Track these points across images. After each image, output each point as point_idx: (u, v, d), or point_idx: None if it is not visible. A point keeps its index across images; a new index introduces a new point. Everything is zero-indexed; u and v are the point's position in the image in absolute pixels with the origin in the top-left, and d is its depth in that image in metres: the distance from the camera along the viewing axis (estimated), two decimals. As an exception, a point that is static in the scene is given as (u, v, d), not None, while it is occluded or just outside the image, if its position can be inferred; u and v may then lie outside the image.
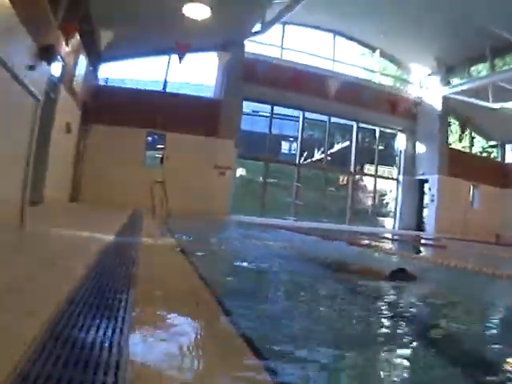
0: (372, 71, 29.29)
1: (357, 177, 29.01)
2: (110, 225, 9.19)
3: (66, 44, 12.27)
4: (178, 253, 6.49)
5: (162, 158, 20.86)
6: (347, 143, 29.16)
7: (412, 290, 5.47)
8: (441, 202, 27.59)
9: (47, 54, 10.10)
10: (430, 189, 28.13)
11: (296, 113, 26.99)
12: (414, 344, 3.31)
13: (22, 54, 8.49)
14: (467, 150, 31.27)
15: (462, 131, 29.61)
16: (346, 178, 28.87)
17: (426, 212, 28.65)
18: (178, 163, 20.33)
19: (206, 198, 20.32)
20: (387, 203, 30.67)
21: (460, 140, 31.40)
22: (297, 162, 26.44)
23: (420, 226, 28.61)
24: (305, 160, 27.91)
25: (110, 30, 16.50)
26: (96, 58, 18.26)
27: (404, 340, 3.36)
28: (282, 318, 3.69)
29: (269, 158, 25.83)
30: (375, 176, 29.28)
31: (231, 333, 2.72)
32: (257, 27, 21.35)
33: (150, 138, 21.20)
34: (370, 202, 29.82)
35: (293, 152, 28.03)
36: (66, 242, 5.89)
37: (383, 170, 30.22)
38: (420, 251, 13.53)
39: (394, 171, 29.79)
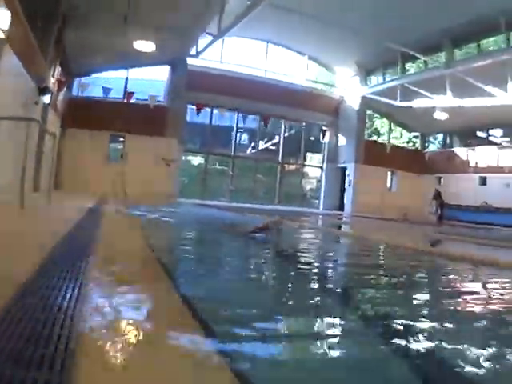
0: (310, 79, 36.29)
1: (286, 165, 36.68)
2: (84, 203, 14.79)
3: (52, 76, 19.81)
4: (130, 221, 11.63)
5: (121, 155, 28.03)
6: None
7: (258, 237, 9.73)
8: (357, 186, 34.63)
9: (44, 91, 17.38)
10: (348, 175, 35.25)
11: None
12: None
13: (31, 94, 15.97)
14: (386, 141, 38.10)
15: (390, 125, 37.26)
16: (290, 166, 36.86)
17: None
18: (135, 158, 27.47)
19: (157, 184, 27.27)
20: (314, 188, 38.06)
21: (378, 133, 39.17)
22: (232, 153, 33.97)
23: (341, 206, 35.55)
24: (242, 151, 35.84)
25: (81, 59, 24.24)
26: (70, 77, 25.68)
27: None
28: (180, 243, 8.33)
29: (208, 151, 33.56)
30: (302, 164, 36.93)
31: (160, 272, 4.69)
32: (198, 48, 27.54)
33: (112, 139, 28.41)
34: (297, 187, 37.27)
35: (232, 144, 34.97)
36: (62, 207, 13.32)
37: (313, 157, 37.91)
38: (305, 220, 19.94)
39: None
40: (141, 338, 2.63)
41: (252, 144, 37.54)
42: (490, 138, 35.10)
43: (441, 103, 28.48)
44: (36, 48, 15.14)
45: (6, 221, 7.63)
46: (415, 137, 40.45)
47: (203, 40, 25.76)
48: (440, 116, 29.13)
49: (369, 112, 37.38)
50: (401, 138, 40.98)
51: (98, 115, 27.13)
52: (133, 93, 28.24)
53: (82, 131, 26.62)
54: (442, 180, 36.66)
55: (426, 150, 39.39)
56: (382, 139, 39.55)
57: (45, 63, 17.34)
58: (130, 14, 18.80)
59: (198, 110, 29.73)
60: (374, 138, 39.78)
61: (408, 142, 41.09)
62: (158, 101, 29.57)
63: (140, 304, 3.34)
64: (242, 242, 9.84)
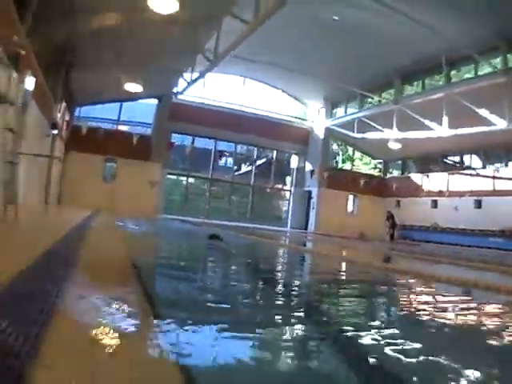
0: (284, 111, 40.81)
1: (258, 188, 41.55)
2: (81, 214, 17.21)
3: (59, 111, 24.56)
4: (115, 230, 14.04)
5: (114, 175, 32.94)
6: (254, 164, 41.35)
7: (221, 244, 12.06)
8: (320, 208, 39.21)
9: (54, 126, 22.45)
10: (312, 198, 39.93)
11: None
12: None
13: (45, 129, 20.76)
14: (350, 168, 43.33)
15: (353, 153, 42.20)
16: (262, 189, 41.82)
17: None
18: (125, 179, 32.32)
19: (143, 202, 32.03)
20: (283, 208, 42.96)
21: (348, 159, 44.10)
22: (209, 176, 38.90)
23: (306, 226, 40.05)
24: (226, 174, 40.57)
25: (82, 95, 29.34)
26: (73, 108, 30.70)
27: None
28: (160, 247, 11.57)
29: (188, 174, 38.66)
30: (272, 188, 42.13)
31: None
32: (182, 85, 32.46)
33: (107, 161, 33.09)
34: (269, 207, 42.27)
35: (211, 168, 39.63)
36: (64, 215, 17.91)
37: (283, 181, 42.96)
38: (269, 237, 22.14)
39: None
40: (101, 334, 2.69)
41: (235, 167, 42.18)
42: (442, 165, 38.54)
43: (388, 135, 32.75)
44: (49, 95, 19.88)
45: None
46: (379, 163, 44.70)
47: (188, 75, 30.03)
48: (393, 146, 32.73)
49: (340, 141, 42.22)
50: (370, 163, 45.67)
51: (95, 141, 31.54)
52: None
53: (81, 155, 31.21)
54: (400, 203, 40.38)
55: (388, 176, 43.67)
56: (354, 165, 44.42)
57: (54, 104, 22.05)
58: (121, 64, 23.69)
59: (170, 147, 35.07)
60: (347, 164, 44.59)
61: (375, 168, 45.40)
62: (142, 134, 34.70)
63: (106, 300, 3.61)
64: (201, 245, 13.01)
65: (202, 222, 29.42)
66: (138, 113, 35.70)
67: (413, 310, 5.68)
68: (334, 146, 44.02)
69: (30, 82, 14.10)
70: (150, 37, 19.71)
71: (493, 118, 25.85)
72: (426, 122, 29.57)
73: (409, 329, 4.52)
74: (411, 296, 7.08)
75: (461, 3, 20.67)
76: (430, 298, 6.94)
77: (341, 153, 44.72)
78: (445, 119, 28.09)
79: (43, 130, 20.17)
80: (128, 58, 23.49)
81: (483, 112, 26.02)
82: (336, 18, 23.66)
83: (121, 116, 34.81)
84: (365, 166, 45.71)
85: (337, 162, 44.38)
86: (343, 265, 11.61)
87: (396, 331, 4.23)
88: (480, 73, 26.51)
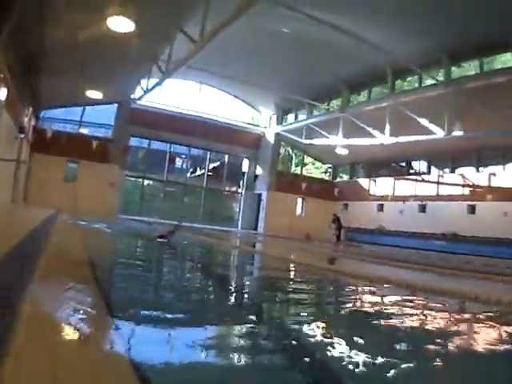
0: (237, 116, 42.47)
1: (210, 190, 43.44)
2: (43, 213, 18.21)
3: (26, 115, 26.02)
4: (74, 228, 15.56)
5: (75, 176, 34.44)
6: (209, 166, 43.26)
7: (171, 240, 13.68)
8: (269, 210, 41.14)
9: (22, 130, 23.99)
10: (261, 200, 41.86)
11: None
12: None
13: (14, 133, 22.25)
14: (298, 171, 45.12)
15: (303, 157, 44.16)
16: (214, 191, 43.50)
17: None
18: (86, 179, 33.87)
19: (102, 202, 33.51)
20: (234, 210, 44.76)
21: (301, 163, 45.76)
22: (164, 179, 40.66)
23: (256, 227, 41.92)
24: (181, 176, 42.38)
25: (48, 99, 30.86)
26: (38, 112, 32.28)
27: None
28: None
29: (144, 176, 40.56)
30: (223, 190, 44.33)
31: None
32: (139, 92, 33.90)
33: (69, 163, 34.58)
34: (221, 209, 44.44)
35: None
36: (26, 213, 19.57)
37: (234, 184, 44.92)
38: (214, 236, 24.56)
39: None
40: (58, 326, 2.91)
41: (191, 170, 44.05)
42: (388, 171, 40.44)
43: (334, 142, 34.55)
44: (18, 102, 21.30)
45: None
46: (330, 168, 46.65)
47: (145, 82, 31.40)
48: (341, 151, 34.58)
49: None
50: (321, 168, 47.75)
51: (58, 144, 33.02)
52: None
53: (45, 156, 32.68)
54: (348, 206, 42.40)
55: (336, 180, 45.60)
56: (306, 169, 46.55)
57: (23, 109, 23.47)
58: (84, 72, 25.30)
59: (127, 150, 37.14)
60: (298, 168, 46.16)
61: (325, 172, 47.40)
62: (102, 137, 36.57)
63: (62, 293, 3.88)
64: (150, 244, 14.39)
65: (155, 222, 31.10)
66: (101, 114, 36.87)
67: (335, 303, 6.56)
68: (289, 151, 45.62)
69: (2, 93, 15.37)
70: (110, 49, 21.13)
71: (432, 127, 27.19)
72: (370, 129, 31.07)
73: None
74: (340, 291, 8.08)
75: (405, 19, 22.07)
76: (355, 293, 7.81)
77: (294, 157, 46.19)
78: (387, 127, 29.54)
79: (12, 134, 21.62)
80: (90, 68, 24.95)
81: (423, 121, 27.35)
82: (286, 30, 24.34)
83: (83, 117, 36.32)
84: (316, 170, 47.64)
85: (289, 167, 45.91)
86: (267, 260, 13.35)
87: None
88: (423, 84, 28.06)
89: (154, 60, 25.51)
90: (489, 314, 6.22)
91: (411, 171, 39.13)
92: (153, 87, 30.06)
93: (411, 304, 6.85)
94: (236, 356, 3.36)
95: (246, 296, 6.66)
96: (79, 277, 5.19)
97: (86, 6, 17.17)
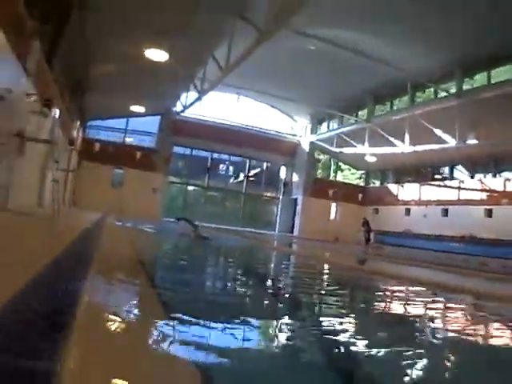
0: (275, 126, 45.21)
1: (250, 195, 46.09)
2: (94, 216, 20.45)
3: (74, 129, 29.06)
4: (123, 228, 17.59)
5: (121, 182, 37.43)
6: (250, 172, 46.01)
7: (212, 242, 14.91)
8: (304, 214, 43.65)
9: (71, 143, 26.22)
10: (297, 205, 44.47)
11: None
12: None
13: (65, 145, 25.15)
14: (333, 178, 47.61)
15: (337, 164, 46.69)
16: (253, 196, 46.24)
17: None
18: (132, 186, 36.99)
19: (146, 207, 36.26)
20: (272, 214, 47.20)
21: (340, 170, 48.71)
22: (205, 185, 43.82)
23: (292, 230, 44.34)
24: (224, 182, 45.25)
25: (94, 112, 33.93)
26: (85, 124, 35.24)
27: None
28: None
29: (187, 182, 43.63)
30: (262, 195, 46.80)
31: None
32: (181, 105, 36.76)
33: (116, 170, 37.56)
34: (259, 213, 46.97)
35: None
36: (81, 216, 22.57)
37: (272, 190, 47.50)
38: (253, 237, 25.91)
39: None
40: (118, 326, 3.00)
41: (234, 175, 46.89)
42: (416, 177, 42.11)
43: (360, 150, 37.13)
44: (68, 118, 24.00)
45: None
46: (363, 174, 48.94)
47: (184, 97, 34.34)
48: (370, 159, 37.07)
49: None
50: (356, 174, 50.11)
51: (105, 153, 36.42)
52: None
53: (93, 164, 35.29)
54: (378, 210, 44.42)
55: (368, 186, 47.94)
56: (343, 175, 49.50)
57: (72, 123, 26.26)
58: (127, 91, 28.31)
59: (169, 160, 39.83)
60: (338, 173, 49.03)
61: (360, 178, 49.54)
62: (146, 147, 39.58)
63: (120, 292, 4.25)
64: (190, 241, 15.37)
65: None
66: (145, 123, 39.52)
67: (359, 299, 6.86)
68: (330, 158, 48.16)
69: (55, 114, 17.92)
70: (150, 72, 23.78)
71: (445, 136, 29.41)
72: (392, 139, 33.38)
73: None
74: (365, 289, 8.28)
75: (421, 37, 23.68)
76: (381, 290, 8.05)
77: (332, 164, 48.43)
78: (407, 137, 31.71)
79: (64, 147, 24.29)
80: (132, 87, 28.02)
81: (438, 131, 29.53)
82: (312, 47, 25.57)
83: (128, 125, 39.36)
84: (352, 175, 50.08)
85: (329, 173, 48.41)
86: (301, 260, 14.17)
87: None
88: (438, 96, 29.72)
89: (191, 79, 28.12)
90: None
91: (436, 177, 40.84)
92: (191, 104, 32.84)
93: (413, 294, 7.69)
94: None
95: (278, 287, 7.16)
96: (130, 271, 5.80)
97: (126, 40, 20.19)
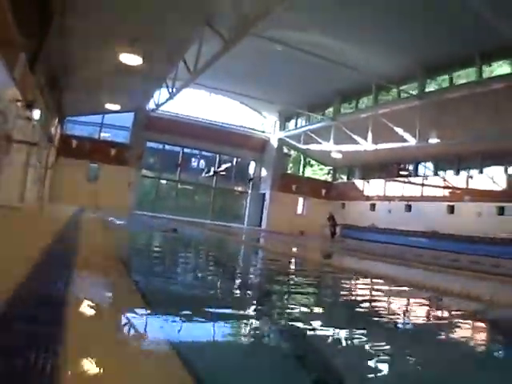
0: (244, 122, 46.53)
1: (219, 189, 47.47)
2: (71, 209, 22.71)
3: (53, 126, 30.11)
4: (98, 221, 18.82)
5: (96, 176, 38.58)
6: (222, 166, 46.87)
7: (175, 235, 16.06)
8: (272, 209, 45.05)
9: (50, 139, 27.75)
10: (265, 200, 45.83)
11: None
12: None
13: (45, 142, 26.27)
14: (300, 174, 49.05)
15: (305, 160, 48.05)
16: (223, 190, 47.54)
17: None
18: (107, 180, 37.95)
19: (120, 200, 37.40)
20: (241, 208, 48.61)
21: (309, 165, 50.14)
22: (177, 178, 45.02)
23: (260, 224, 45.72)
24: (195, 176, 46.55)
25: (71, 109, 35.13)
26: (62, 120, 36.30)
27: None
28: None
29: (159, 177, 44.90)
30: (231, 190, 48.19)
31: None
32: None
33: (91, 165, 38.70)
34: (229, 207, 48.14)
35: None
36: (58, 209, 24.15)
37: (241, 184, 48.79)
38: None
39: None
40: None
41: (206, 169, 47.37)
42: (380, 173, 43.42)
43: (325, 147, 38.69)
44: (48, 117, 25.03)
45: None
46: (331, 170, 50.44)
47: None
48: (335, 155, 38.33)
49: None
50: (324, 169, 51.55)
51: (81, 149, 37.75)
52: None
53: (69, 159, 36.59)
54: (345, 205, 45.79)
55: (335, 181, 49.44)
56: (313, 170, 50.96)
57: (50, 121, 27.31)
58: (103, 90, 29.57)
59: (140, 157, 40.84)
60: (307, 169, 50.59)
61: (328, 174, 51.06)
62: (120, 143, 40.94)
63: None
64: (162, 235, 16.55)
65: (165, 218, 34.91)
66: (120, 117, 40.41)
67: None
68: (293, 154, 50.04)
69: (36, 114, 18.94)
70: (124, 73, 24.51)
71: (407, 135, 30.64)
72: (356, 137, 34.68)
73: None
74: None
75: (385, 38, 24.50)
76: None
77: (302, 160, 49.85)
78: (370, 135, 33.10)
79: (42, 144, 25.26)
80: (107, 86, 29.13)
81: (399, 130, 30.78)
82: (279, 48, 25.98)
83: (104, 120, 40.43)
84: (320, 171, 51.61)
85: (299, 168, 49.92)
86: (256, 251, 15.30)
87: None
88: (401, 97, 30.71)
89: (163, 80, 29.26)
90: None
91: (401, 173, 41.95)
92: (163, 103, 33.78)
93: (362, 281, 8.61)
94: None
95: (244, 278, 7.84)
96: (108, 259, 6.76)
97: (102, 46, 21.58)
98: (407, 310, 6.24)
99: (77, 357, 2.25)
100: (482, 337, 5.20)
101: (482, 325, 5.91)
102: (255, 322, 4.29)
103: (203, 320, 3.99)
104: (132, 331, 3.13)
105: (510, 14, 17.29)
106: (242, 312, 4.73)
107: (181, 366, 2.43)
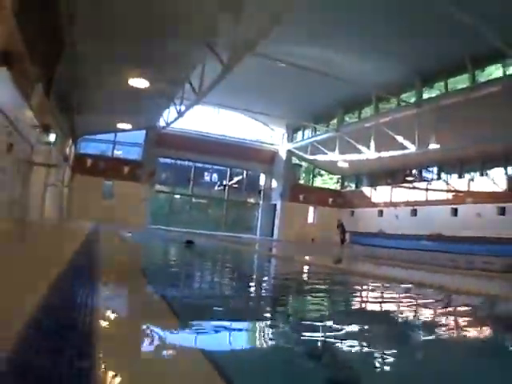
0: (254, 135, 47.76)
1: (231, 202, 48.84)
2: (88, 225, 23.89)
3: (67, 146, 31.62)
4: (116, 235, 19.82)
5: (111, 193, 40.04)
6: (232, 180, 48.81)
7: (196, 247, 16.16)
8: (283, 219, 46.16)
9: (65, 159, 29.24)
10: (276, 210, 47.00)
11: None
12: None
13: (60, 162, 27.77)
14: (310, 184, 50.53)
15: (313, 169, 49.35)
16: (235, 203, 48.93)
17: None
18: (121, 196, 39.31)
19: (135, 215, 38.93)
20: (253, 219, 49.80)
21: (319, 175, 51.50)
22: (190, 193, 46.44)
23: (271, 234, 46.93)
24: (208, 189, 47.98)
25: (84, 129, 36.51)
26: (76, 140, 37.62)
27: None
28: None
29: (173, 192, 46.26)
30: (243, 202, 49.48)
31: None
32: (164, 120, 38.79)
33: (105, 182, 40.01)
34: (241, 218, 49.42)
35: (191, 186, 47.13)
36: (77, 226, 25.56)
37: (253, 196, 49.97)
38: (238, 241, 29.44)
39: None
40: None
41: (218, 183, 49.23)
42: (387, 180, 44.62)
43: (331, 157, 39.81)
44: (63, 139, 26.38)
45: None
46: (339, 178, 51.70)
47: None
48: (342, 165, 39.88)
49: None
50: (333, 179, 52.85)
51: (96, 167, 39.27)
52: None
53: (84, 177, 37.72)
54: (354, 213, 47.00)
55: (344, 190, 50.62)
56: (323, 179, 52.35)
57: (65, 142, 28.70)
58: (114, 112, 31.09)
59: (152, 174, 42.09)
60: (318, 178, 52.29)
61: (337, 183, 52.22)
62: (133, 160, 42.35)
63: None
64: (180, 247, 16.88)
65: (186, 232, 35.34)
66: (133, 135, 41.66)
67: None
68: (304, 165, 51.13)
69: (52, 137, 20.13)
70: (133, 95, 26.25)
71: (406, 143, 31.63)
72: (360, 146, 35.78)
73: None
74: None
75: (383, 50, 25.66)
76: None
77: (313, 170, 51.26)
78: (372, 144, 34.28)
79: (59, 164, 26.40)
80: (118, 108, 30.75)
81: (400, 138, 31.79)
82: (282, 64, 26.49)
83: (117, 138, 41.91)
84: (330, 180, 52.88)
85: (310, 178, 51.46)
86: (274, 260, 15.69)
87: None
88: (401, 105, 31.59)
89: (171, 100, 30.40)
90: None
91: (407, 179, 42.95)
92: (172, 121, 35.05)
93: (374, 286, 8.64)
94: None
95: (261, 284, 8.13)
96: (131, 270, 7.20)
97: (112, 71, 23.11)
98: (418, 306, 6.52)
99: (107, 368, 2.32)
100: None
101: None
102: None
103: (231, 327, 4.07)
104: (161, 341, 3.26)
105: (491, 20, 18.45)
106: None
107: (211, 371, 2.56)
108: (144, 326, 3.59)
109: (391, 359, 3.41)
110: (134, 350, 2.92)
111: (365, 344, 3.85)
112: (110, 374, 2.25)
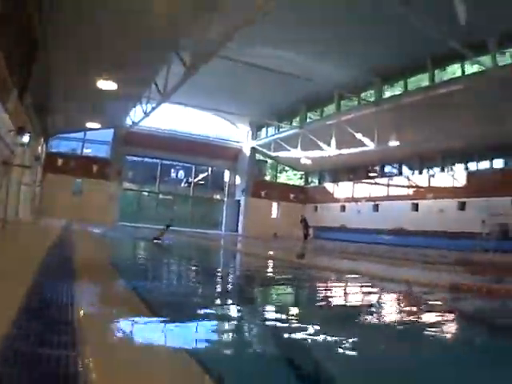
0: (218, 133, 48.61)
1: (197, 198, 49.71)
2: (60, 223, 26.21)
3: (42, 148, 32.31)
4: (85, 232, 23.14)
5: (81, 191, 40.89)
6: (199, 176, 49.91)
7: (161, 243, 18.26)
8: (247, 214, 47.17)
9: (37, 158, 29.86)
10: (240, 206, 47.99)
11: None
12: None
13: (32, 162, 28.58)
14: (273, 179, 51.44)
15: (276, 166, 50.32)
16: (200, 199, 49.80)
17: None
18: (90, 194, 40.40)
19: (104, 212, 39.73)
20: (218, 215, 50.56)
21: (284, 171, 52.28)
22: (156, 190, 47.38)
23: (236, 229, 48.02)
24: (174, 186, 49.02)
25: (55, 128, 37.31)
26: (47, 140, 38.37)
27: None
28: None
29: (140, 190, 47.40)
30: (210, 198, 50.54)
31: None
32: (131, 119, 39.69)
33: (76, 180, 40.85)
34: (206, 214, 50.33)
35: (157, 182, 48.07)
36: (48, 224, 26.50)
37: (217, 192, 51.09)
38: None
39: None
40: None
41: (185, 179, 50.48)
42: (348, 176, 45.92)
43: (293, 154, 41.16)
44: (35, 139, 27.09)
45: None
46: (303, 175, 52.83)
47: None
48: (304, 161, 40.92)
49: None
50: (297, 175, 53.76)
51: (66, 165, 40.18)
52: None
53: (55, 175, 38.85)
54: (317, 208, 48.03)
55: (307, 186, 51.74)
56: (287, 175, 53.26)
57: (37, 142, 29.54)
58: (83, 111, 32.03)
59: (120, 172, 43.12)
60: (283, 175, 53.28)
61: (301, 179, 53.28)
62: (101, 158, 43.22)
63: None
64: (147, 244, 17.68)
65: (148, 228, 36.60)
66: (101, 133, 42.18)
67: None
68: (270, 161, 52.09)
69: (26, 138, 20.77)
70: (100, 95, 27.12)
71: (366, 140, 33.01)
72: (321, 143, 37.06)
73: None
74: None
75: (344, 51, 26.49)
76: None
77: (277, 166, 52.21)
78: (333, 141, 35.33)
79: (32, 164, 27.01)
80: (87, 108, 31.70)
81: (359, 136, 33.07)
82: (241, 64, 27.35)
83: (86, 136, 42.60)
84: (294, 176, 53.78)
85: (275, 175, 52.34)
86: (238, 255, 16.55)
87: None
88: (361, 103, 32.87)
89: (137, 99, 31.67)
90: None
91: (369, 175, 44.20)
92: (138, 121, 36.08)
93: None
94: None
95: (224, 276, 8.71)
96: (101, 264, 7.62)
97: (81, 74, 24.08)
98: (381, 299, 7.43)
99: (90, 360, 2.46)
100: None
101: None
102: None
103: (204, 319, 4.53)
104: (137, 334, 3.45)
105: (446, 22, 19.23)
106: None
107: (190, 364, 2.76)
108: (116, 317, 3.90)
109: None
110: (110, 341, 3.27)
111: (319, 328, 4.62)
112: (88, 362, 2.50)
